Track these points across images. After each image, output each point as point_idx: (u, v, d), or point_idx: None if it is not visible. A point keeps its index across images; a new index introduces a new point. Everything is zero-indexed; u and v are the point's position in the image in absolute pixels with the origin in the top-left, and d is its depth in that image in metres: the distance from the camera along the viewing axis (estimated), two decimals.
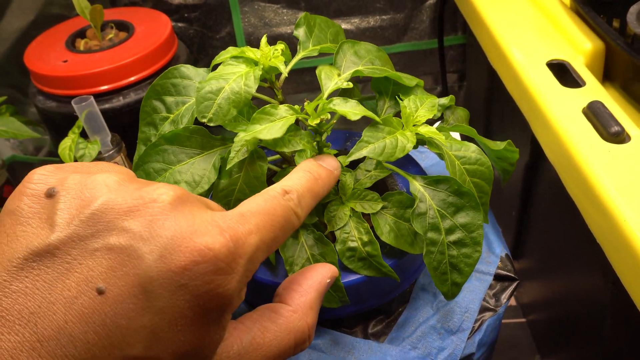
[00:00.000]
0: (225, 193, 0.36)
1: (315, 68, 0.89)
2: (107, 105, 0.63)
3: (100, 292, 0.19)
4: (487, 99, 0.73)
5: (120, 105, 0.64)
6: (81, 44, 0.68)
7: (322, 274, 0.26)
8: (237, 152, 0.35)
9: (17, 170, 1.03)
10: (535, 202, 0.62)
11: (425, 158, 0.52)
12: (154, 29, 0.69)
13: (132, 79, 0.65)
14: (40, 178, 0.21)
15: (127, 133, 0.57)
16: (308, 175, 0.27)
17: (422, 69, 0.98)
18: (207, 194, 0.37)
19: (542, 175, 0.57)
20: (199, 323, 0.20)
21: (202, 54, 0.93)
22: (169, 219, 0.20)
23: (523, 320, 0.79)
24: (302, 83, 0.96)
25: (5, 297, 0.18)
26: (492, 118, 0.73)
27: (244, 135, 0.34)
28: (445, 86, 0.93)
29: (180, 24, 0.89)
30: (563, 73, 0.48)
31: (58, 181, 0.21)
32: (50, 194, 0.21)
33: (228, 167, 0.35)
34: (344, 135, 0.47)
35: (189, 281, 0.19)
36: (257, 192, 0.36)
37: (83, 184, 0.21)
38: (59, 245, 0.19)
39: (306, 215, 0.26)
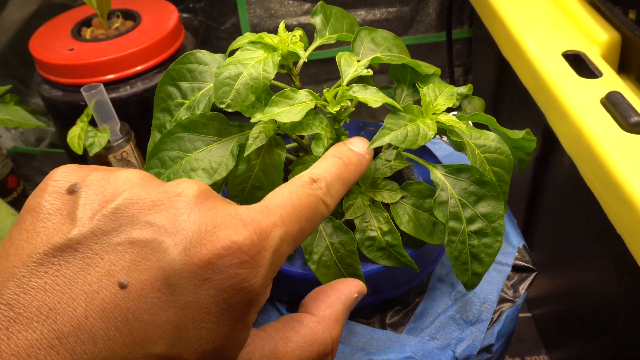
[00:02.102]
0: (241, 180, 0.36)
1: (327, 60, 0.88)
2: (114, 95, 0.62)
3: (122, 286, 0.18)
4: (495, 92, 0.72)
5: (127, 94, 0.63)
6: (87, 32, 0.67)
7: (350, 287, 0.25)
8: (255, 138, 0.34)
9: (18, 161, 1.02)
10: (545, 195, 0.62)
11: (438, 149, 0.51)
12: (160, 18, 0.68)
13: (139, 68, 0.64)
14: (62, 175, 0.21)
15: (135, 123, 0.57)
16: (337, 162, 0.26)
17: (428, 63, 0.97)
18: (224, 181, 0.37)
19: (553, 168, 0.57)
20: (224, 320, 0.19)
21: (207, 46, 0.92)
22: (194, 213, 0.20)
23: (529, 314, 0.78)
24: (311, 75, 0.96)
25: (23, 293, 0.18)
26: (500, 112, 0.72)
27: (262, 116, 0.33)
28: (452, 79, 0.92)
29: (185, 15, 0.88)
30: (579, 64, 0.47)
31: (80, 178, 0.21)
32: (72, 190, 0.20)
33: (246, 153, 0.34)
34: (357, 125, 0.47)
35: (213, 275, 0.19)
36: (274, 180, 0.36)
37: (106, 180, 0.21)
38: (81, 239, 0.19)
39: (336, 203, 0.25)
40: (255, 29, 0.90)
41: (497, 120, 0.38)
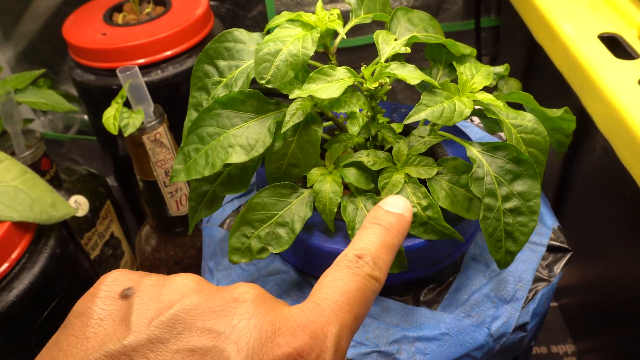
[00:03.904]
0: (278, 157, 0.36)
1: (359, 47, 0.88)
2: (145, 79, 0.63)
3: None
4: (523, 80, 0.71)
5: (159, 78, 0.64)
6: (119, 17, 0.68)
7: None
8: (292, 115, 0.35)
9: (48, 148, 1.04)
10: (575, 182, 0.61)
11: (470, 132, 0.51)
12: (190, 4, 0.69)
13: (169, 52, 0.65)
14: (114, 280, 0.21)
15: (166, 106, 0.57)
16: (378, 229, 0.26)
17: None
18: (261, 157, 0.37)
19: (585, 155, 0.56)
20: None
21: None
22: (253, 318, 0.20)
23: (555, 304, 0.78)
24: (344, 63, 0.96)
25: None
26: None
27: (300, 92, 0.33)
28: None
29: (212, 2, 0.89)
30: (615, 46, 0.47)
31: (134, 282, 0.21)
32: (126, 295, 0.20)
33: (283, 130, 0.34)
34: (389, 107, 0.47)
35: None
36: (310, 157, 0.36)
37: (161, 285, 0.21)
38: (136, 347, 0.18)
39: (387, 274, 0.25)
40: None
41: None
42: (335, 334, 0.21)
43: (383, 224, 0.26)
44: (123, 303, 0.20)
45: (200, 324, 0.19)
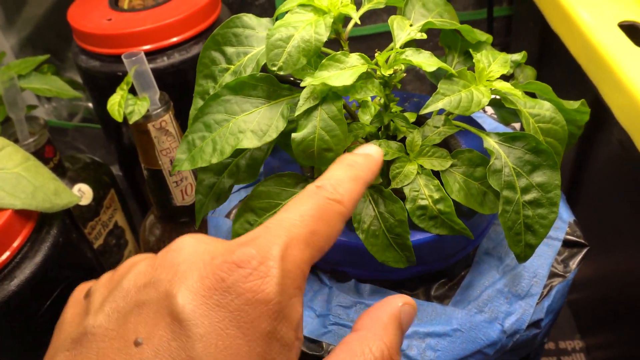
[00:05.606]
0: (306, 144, 0.34)
1: (368, 37, 0.86)
2: (151, 65, 0.62)
3: (137, 344, 0.19)
4: (536, 70, 0.70)
5: (164, 65, 0.63)
6: (125, 2, 0.67)
7: (393, 299, 0.24)
8: (306, 98, 0.33)
9: (51, 136, 1.03)
10: (588, 177, 0.60)
11: (483, 123, 0.50)
12: None
13: (175, 39, 0.63)
14: (78, 289, 0.24)
15: (171, 94, 0.56)
16: (340, 165, 0.26)
17: None
18: (271, 146, 0.36)
19: (600, 148, 0.55)
20: (251, 339, 0.18)
21: None
22: (188, 256, 0.20)
23: None
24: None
25: None
26: None
27: (312, 80, 0.32)
28: None
29: None
30: (636, 34, 0.45)
31: (93, 284, 0.23)
32: (87, 295, 0.22)
33: (297, 113, 0.33)
34: (401, 96, 0.46)
35: (221, 298, 0.19)
36: (340, 137, 0.34)
37: (113, 272, 0.23)
38: (94, 324, 0.20)
39: (351, 200, 0.24)
40: None
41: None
42: (282, 243, 0.20)
43: (346, 161, 0.26)
44: (85, 301, 0.22)
45: (142, 282, 0.20)
